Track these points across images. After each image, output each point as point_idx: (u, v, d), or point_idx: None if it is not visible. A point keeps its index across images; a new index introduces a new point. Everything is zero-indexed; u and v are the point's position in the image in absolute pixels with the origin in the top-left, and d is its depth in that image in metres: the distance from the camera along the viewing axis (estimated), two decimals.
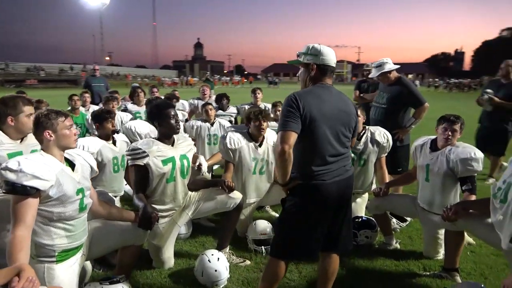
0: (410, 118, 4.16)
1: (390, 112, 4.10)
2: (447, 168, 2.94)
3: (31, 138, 2.63)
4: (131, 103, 5.88)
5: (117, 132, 3.45)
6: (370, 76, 4.58)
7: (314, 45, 2.26)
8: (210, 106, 4.94)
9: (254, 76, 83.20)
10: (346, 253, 2.90)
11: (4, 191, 1.95)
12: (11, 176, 1.90)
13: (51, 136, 2.10)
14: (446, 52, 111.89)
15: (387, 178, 3.66)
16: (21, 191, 1.90)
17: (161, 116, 2.77)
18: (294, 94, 2.12)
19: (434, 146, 3.10)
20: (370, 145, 3.55)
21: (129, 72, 63.64)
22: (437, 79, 57.87)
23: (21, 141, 2.58)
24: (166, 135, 2.84)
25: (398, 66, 4.13)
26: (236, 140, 3.38)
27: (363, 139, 3.56)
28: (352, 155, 3.51)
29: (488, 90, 5.12)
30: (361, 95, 6.01)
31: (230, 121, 5.87)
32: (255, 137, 3.45)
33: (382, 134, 3.59)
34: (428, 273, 2.98)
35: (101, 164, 3.24)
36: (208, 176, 3.96)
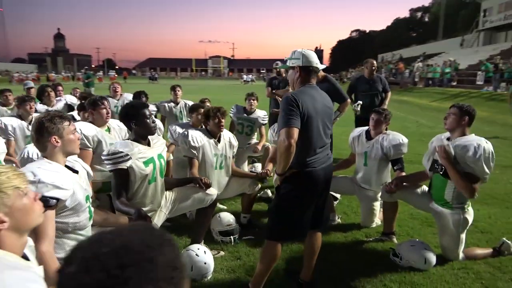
0: (334, 112, 4.78)
1: None
2: (382, 153, 3.59)
3: None
4: (40, 103, 5.28)
5: None
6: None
7: (297, 50, 2.57)
8: None
9: (128, 71, 78.20)
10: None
11: None
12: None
13: (57, 142, 1.96)
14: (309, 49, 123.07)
15: None
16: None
17: (138, 117, 2.71)
18: (292, 94, 2.39)
19: (368, 135, 3.73)
20: None
21: None
22: None
23: None
24: (143, 136, 2.79)
25: (325, 66, 4.69)
26: (199, 138, 3.48)
27: None
28: None
29: (359, 102, 5.81)
30: (273, 91, 6.51)
31: None
32: (214, 134, 3.59)
33: None
34: (371, 239, 3.61)
35: None
36: None
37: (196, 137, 3.47)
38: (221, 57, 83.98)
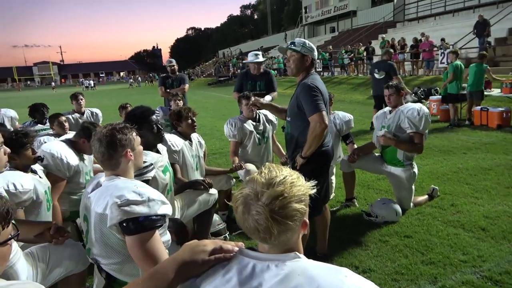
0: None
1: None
2: (336, 130, 4.07)
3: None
4: None
5: (41, 160, 2.62)
6: (245, 62, 5.18)
7: (308, 42, 2.74)
8: (63, 118, 4.19)
9: None
10: None
11: (129, 233, 1.50)
12: (142, 210, 1.51)
13: (131, 155, 1.71)
14: (147, 49, 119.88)
15: (282, 148, 4.48)
16: (153, 225, 1.54)
17: (149, 124, 2.49)
18: (312, 83, 2.59)
19: None
20: (267, 124, 4.23)
21: None
22: (150, 74, 61.22)
23: None
24: (153, 144, 2.56)
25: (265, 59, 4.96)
26: (177, 141, 3.29)
27: (261, 121, 4.19)
28: (258, 136, 4.11)
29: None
30: (167, 90, 6.43)
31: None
32: (187, 135, 3.46)
33: (272, 114, 4.33)
34: (338, 207, 4.08)
35: (36, 203, 2.45)
36: None
37: (175, 140, 3.28)
38: (50, 63, 73.83)
